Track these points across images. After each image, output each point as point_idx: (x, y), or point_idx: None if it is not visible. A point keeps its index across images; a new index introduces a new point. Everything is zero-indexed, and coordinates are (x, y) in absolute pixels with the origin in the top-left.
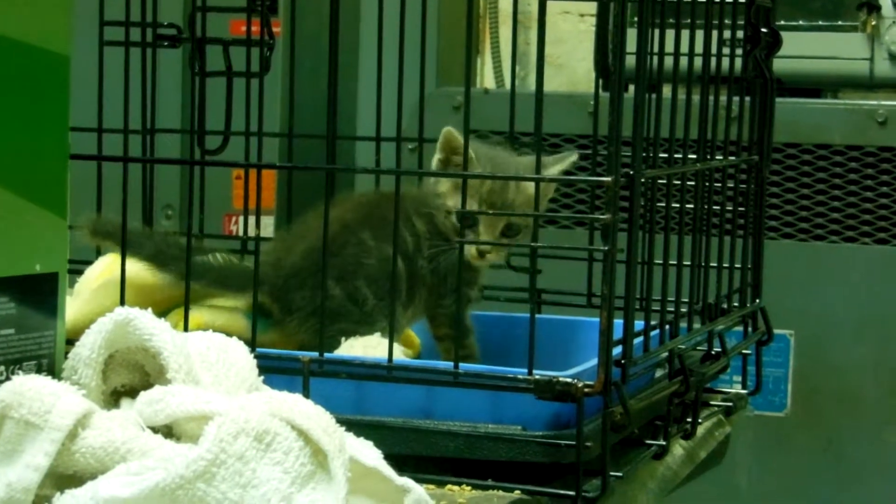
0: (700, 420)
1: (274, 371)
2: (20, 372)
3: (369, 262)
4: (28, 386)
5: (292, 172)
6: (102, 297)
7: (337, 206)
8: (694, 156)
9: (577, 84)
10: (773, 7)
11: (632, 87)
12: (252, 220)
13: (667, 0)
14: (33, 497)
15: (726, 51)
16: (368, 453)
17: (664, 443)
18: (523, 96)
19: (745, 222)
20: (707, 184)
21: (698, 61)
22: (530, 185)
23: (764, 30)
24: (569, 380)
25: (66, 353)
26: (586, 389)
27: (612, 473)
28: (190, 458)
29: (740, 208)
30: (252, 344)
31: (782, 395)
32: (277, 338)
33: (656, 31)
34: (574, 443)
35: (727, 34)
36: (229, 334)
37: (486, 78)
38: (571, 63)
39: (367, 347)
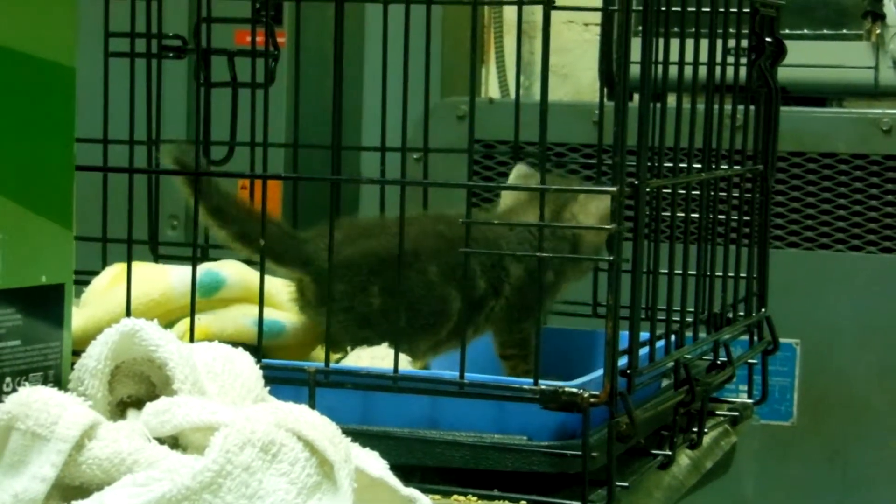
0: (706, 430)
1: (280, 381)
2: (26, 383)
3: (421, 295)
4: (34, 397)
5: (297, 183)
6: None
7: (414, 225)
8: (699, 165)
9: (582, 93)
10: (777, 16)
11: (636, 97)
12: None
13: (671, 9)
14: None
15: (731, 60)
16: (374, 464)
17: (670, 452)
18: (528, 106)
19: (751, 231)
20: (712, 193)
21: (703, 70)
22: None
23: (768, 39)
24: (574, 390)
25: (73, 363)
26: (592, 399)
27: (617, 483)
28: (196, 470)
29: (745, 217)
30: (258, 354)
31: (788, 404)
32: (291, 340)
33: (661, 41)
34: (580, 453)
35: (732, 43)
36: (236, 344)
37: (491, 88)
38: (576, 72)
39: (374, 358)
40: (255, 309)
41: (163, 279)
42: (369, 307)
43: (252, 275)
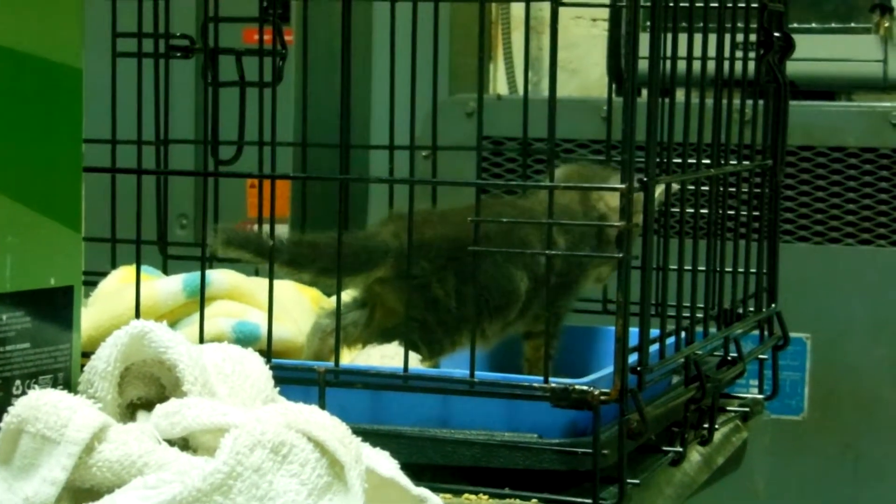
0: (717, 426)
1: (289, 382)
2: (36, 386)
3: (492, 277)
4: (44, 400)
5: (306, 182)
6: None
7: (485, 211)
8: (708, 160)
9: (590, 89)
10: (785, 11)
11: (645, 92)
12: (266, 228)
13: (679, 4)
14: None
15: (739, 55)
16: (385, 464)
17: (681, 449)
18: (536, 102)
19: (760, 226)
20: (721, 188)
21: (711, 65)
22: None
23: (777, 34)
24: (585, 388)
25: (82, 366)
26: (602, 397)
27: (629, 480)
28: (206, 471)
29: (755, 212)
30: (267, 355)
31: (799, 398)
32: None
33: (669, 36)
34: (591, 450)
35: (740, 38)
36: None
37: (499, 84)
38: (584, 68)
39: (384, 357)
40: (237, 309)
41: (150, 286)
42: (445, 289)
43: (238, 276)
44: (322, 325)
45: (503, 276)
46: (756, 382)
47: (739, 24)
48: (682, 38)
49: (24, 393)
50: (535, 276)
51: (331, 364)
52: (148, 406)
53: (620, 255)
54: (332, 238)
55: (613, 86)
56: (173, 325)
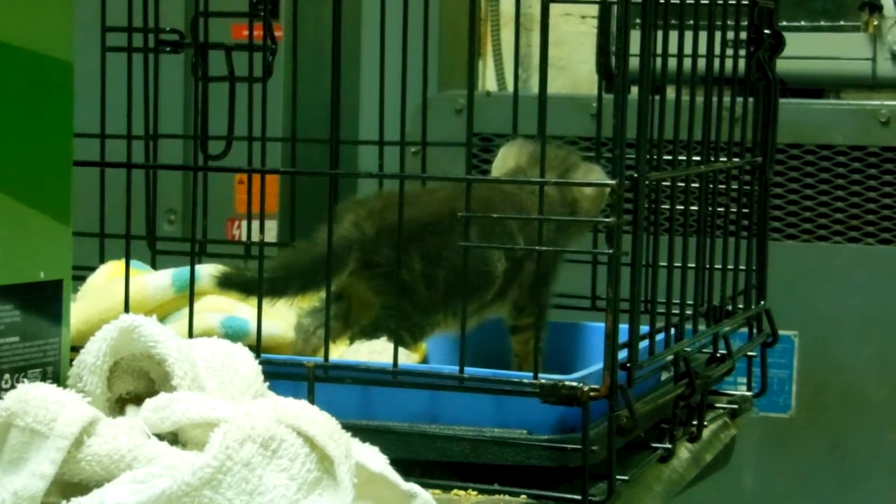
0: (706, 422)
1: (279, 377)
2: (25, 380)
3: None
4: (33, 394)
5: (295, 177)
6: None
7: (449, 189)
8: (698, 158)
9: (579, 86)
10: (775, 8)
11: (635, 89)
12: (255, 224)
13: (670, 1)
14: None
15: (730, 52)
16: (374, 459)
17: (670, 446)
18: (525, 99)
19: (749, 224)
20: (711, 185)
21: (701, 63)
22: None
23: (767, 31)
24: (574, 383)
25: (71, 360)
26: (592, 393)
27: (618, 477)
28: (196, 466)
29: (744, 210)
30: (257, 350)
31: (787, 396)
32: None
33: (660, 33)
34: (580, 446)
35: (730, 35)
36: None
37: (488, 81)
38: (573, 65)
39: (372, 353)
40: (226, 304)
41: (139, 281)
42: (411, 272)
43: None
44: (304, 324)
45: (477, 258)
46: (744, 380)
47: (730, 22)
48: (673, 35)
49: (13, 387)
50: (512, 257)
51: (320, 359)
52: (137, 400)
53: (610, 252)
54: (300, 252)
55: (603, 83)
56: (162, 319)
